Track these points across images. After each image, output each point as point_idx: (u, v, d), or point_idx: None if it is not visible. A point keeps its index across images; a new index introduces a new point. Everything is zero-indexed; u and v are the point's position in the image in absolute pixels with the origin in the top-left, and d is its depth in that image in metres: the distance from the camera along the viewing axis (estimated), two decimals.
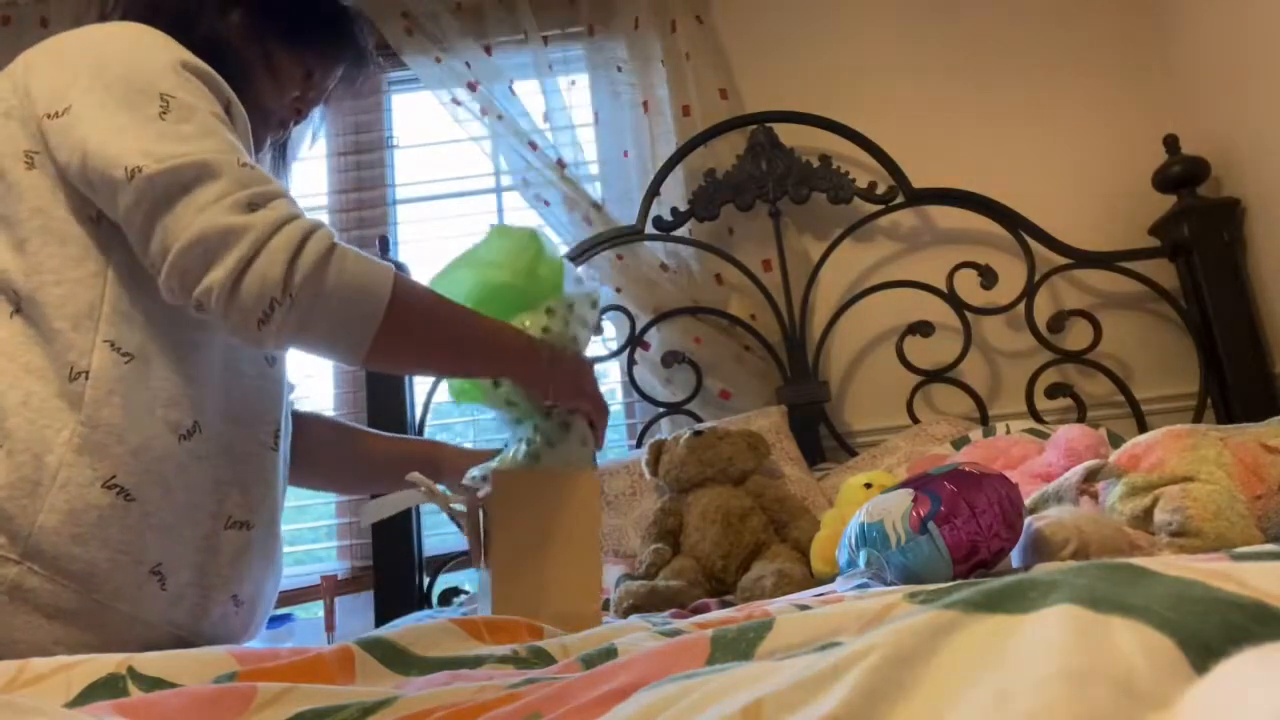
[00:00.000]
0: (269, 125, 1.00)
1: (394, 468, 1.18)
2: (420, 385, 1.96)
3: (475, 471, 0.89)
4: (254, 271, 0.70)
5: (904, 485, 0.83)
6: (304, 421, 1.11)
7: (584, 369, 0.90)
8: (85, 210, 0.78)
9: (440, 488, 0.88)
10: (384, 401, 1.90)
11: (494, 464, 0.89)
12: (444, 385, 1.94)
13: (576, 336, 0.90)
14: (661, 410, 1.90)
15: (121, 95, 0.75)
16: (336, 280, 0.72)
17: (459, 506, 0.86)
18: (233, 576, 0.83)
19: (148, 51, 0.79)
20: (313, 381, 2.08)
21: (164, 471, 0.77)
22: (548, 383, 0.85)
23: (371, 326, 0.74)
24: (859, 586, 0.81)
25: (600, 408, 0.91)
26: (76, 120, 0.75)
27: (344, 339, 0.75)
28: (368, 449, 1.17)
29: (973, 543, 0.74)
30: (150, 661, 0.51)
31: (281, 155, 1.13)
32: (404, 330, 0.77)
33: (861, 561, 0.84)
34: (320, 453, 1.12)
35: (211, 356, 0.82)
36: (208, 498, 0.81)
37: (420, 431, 1.92)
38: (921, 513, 0.77)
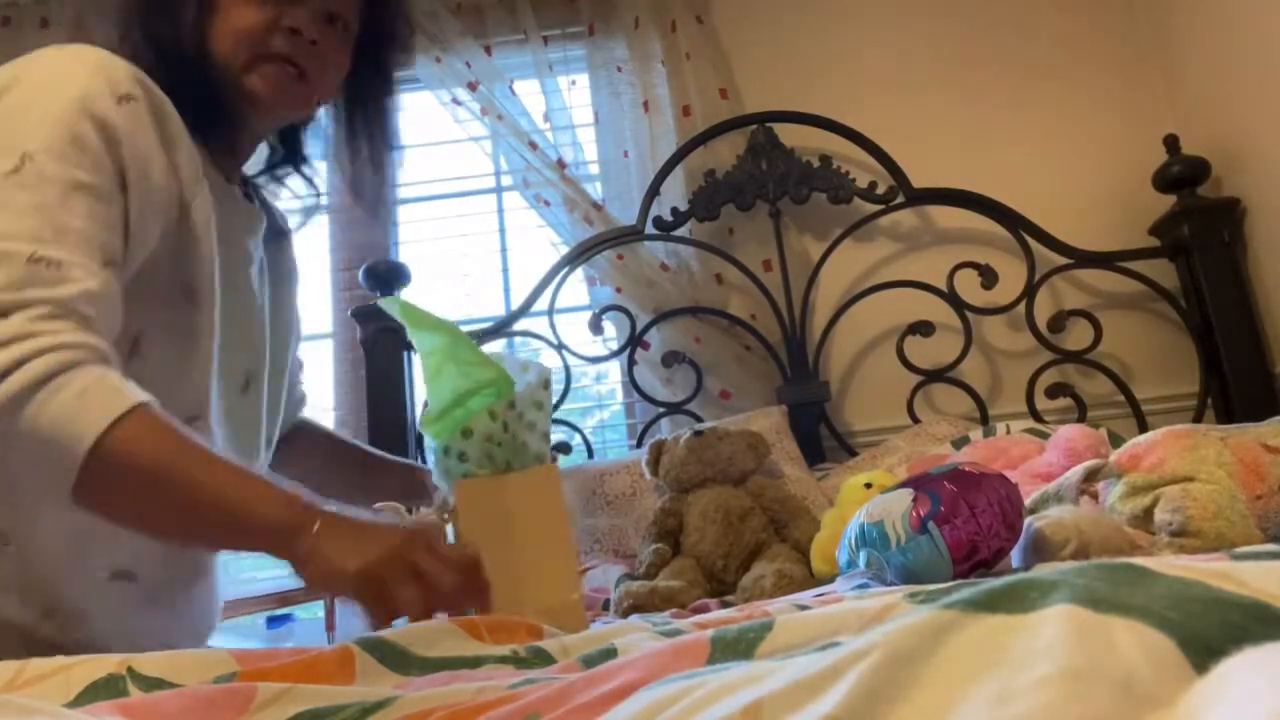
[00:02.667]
0: (260, 72, 0.85)
1: (373, 491, 1.18)
2: (420, 386, 1.96)
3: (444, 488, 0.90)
4: None
5: (903, 485, 0.83)
6: (302, 431, 1.11)
7: (367, 545, 0.69)
8: None
9: (419, 509, 0.88)
10: (384, 402, 1.90)
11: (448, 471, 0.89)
12: None
13: (526, 441, 0.86)
14: (662, 410, 1.90)
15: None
16: (31, 421, 0.64)
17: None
18: (123, 630, 0.79)
19: (55, 87, 0.73)
20: (313, 382, 2.08)
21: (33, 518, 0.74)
22: (306, 568, 0.70)
23: (65, 477, 0.65)
24: (859, 586, 0.81)
25: (379, 595, 0.68)
26: None
27: (40, 481, 0.68)
28: (350, 467, 1.17)
29: (973, 542, 0.74)
30: (150, 661, 0.51)
31: (285, 144, 1.02)
32: (111, 487, 0.67)
33: (862, 562, 0.84)
34: (307, 462, 1.11)
35: None
36: (96, 546, 0.77)
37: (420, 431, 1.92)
38: (921, 513, 0.77)
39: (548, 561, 0.83)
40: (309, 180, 1.06)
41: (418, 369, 1.98)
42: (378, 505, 0.87)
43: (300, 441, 1.13)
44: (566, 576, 0.84)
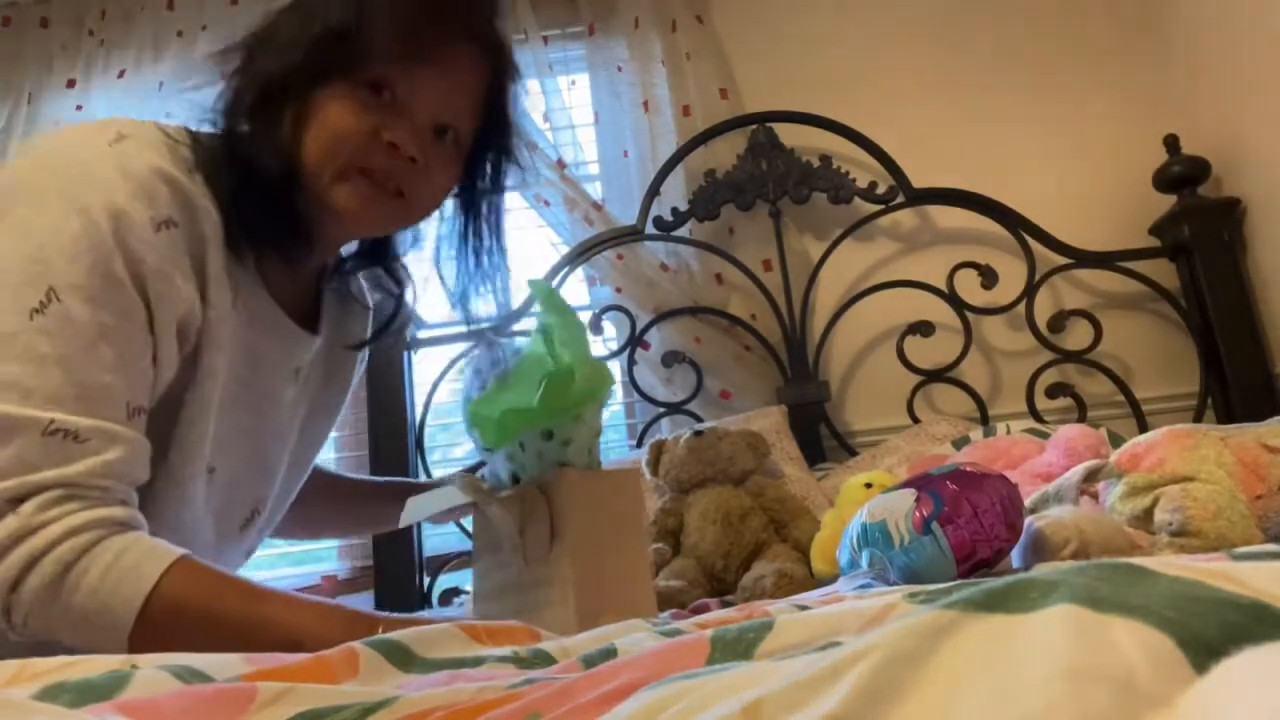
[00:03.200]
0: (352, 186, 0.77)
1: (376, 512, 1.15)
2: (420, 386, 1.96)
3: (492, 477, 0.88)
4: None
5: (905, 485, 0.83)
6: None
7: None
8: None
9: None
10: (384, 401, 1.90)
11: (491, 471, 0.88)
12: (443, 386, 1.94)
13: (590, 447, 0.85)
14: (662, 410, 1.90)
15: (18, 264, 0.66)
16: (64, 615, 0.64)
17: (500, 512, 0.84)
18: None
19: (88, 209, 0.68)
20: None
21: None
22: None
23: (116, 648, 0.64)
24: (862, 586, 0.81)
25: None
26: None
27: (93, 650, 0.66)
28: (348, 494, 1.15)
29: (974, 542, 0.74)
30: (153, 660, 0.51)
31: (379, 260, 0.93)
32: (164, 646, 0.65)
33: (864, 562, 0.84)
34: (306, 508, 1.08)
35: None
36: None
37: (420, 430, 1.92)
38: (925, 513, 0.77)
39: (630, 562, 0.83)
40: (396, 277, 0.99)
41: (418, 369, 1.98)
42: (449, 476, 0.83)
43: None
44: (645, 577, 0.85)
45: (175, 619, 0.65)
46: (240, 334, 0.80)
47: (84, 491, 0.65)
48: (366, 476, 1.22)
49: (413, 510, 0.89)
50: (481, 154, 0.87)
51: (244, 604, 0.68)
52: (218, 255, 0.74)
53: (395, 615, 0.72)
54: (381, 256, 0.97)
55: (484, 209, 0.92)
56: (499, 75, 0.83)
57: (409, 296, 1.00)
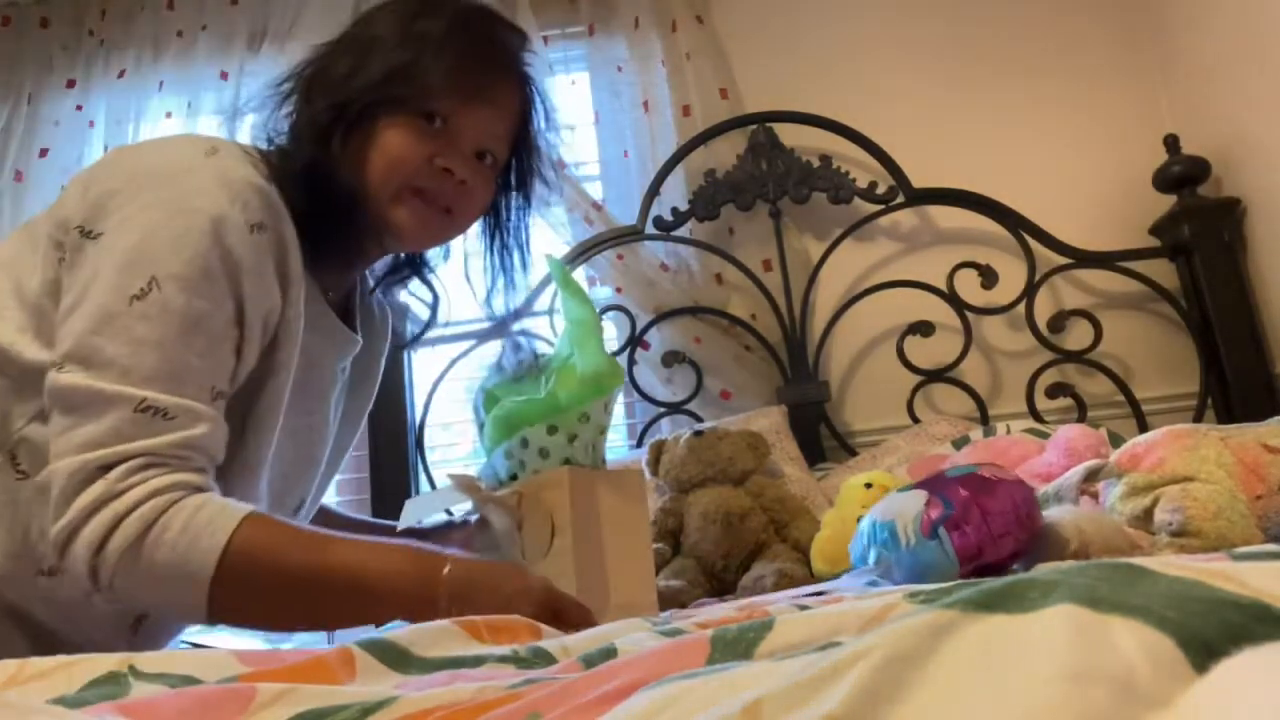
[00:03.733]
0: (408, 207, 0.85)
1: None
2: (420, 386, 1.96)
3: (489, 474, 0.88)
4: (68, 556, 0.69)
5: (920, 485, 0.83)
6: None
7: (503, 592, 0.71)
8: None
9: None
10: (384, 401, 1.90)
11: (490, 467, 0.88)
12: (443, 386, 1.94)
13: (595, 444, 0.86)
14: (662, 410, 1.90)
15: (127, 254, 0.73)
16: (147, 571, 0.69)
17: (497, 511, 0.85)
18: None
19: (194, 210, 0.75)
20: None
21: (11, 597, 0.75)
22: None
23: (199, 606, 0.69)
24: (869, 584, 0.81)
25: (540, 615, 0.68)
26: (93, 257, 0.74)
27: (173, 614, 0.73)
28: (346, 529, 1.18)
29: (980, 546, 0.74)
30: (152, 660, 0.51)
31: (420, 270, 1.03)
32: (243, 601, 0.71)
33: (872, 559, 0.84)
34: None
35: None
36: (42, 629, 0.78)
37: (420, 430, 1.92)
38: (933, 516, 0.77)
39: (633, 559, 0.84)
40: (430, 286, 1.08)
41: (418, 370, 1.98)
42: (448, 474, 0.85)
43: None
44: (647, 575, 0.85)
45: (249, 570, 0.70)
46: (303, 334, 0.86)
47: (166, 460, 0.71)
48: (366, 517, 1.24)
49: (410, 511, 0.89)
50: (511, 173, 0.98)
51: (312, 551, 0.73)
52: (297, 260, 0.81)
53: (460, 554, 0.76)
54: (418, 267, 1.06)
55: (512, 220, 1.01)
56: (528, 103, 0.94)
57: (443, 305, 1.09)
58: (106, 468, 0.69)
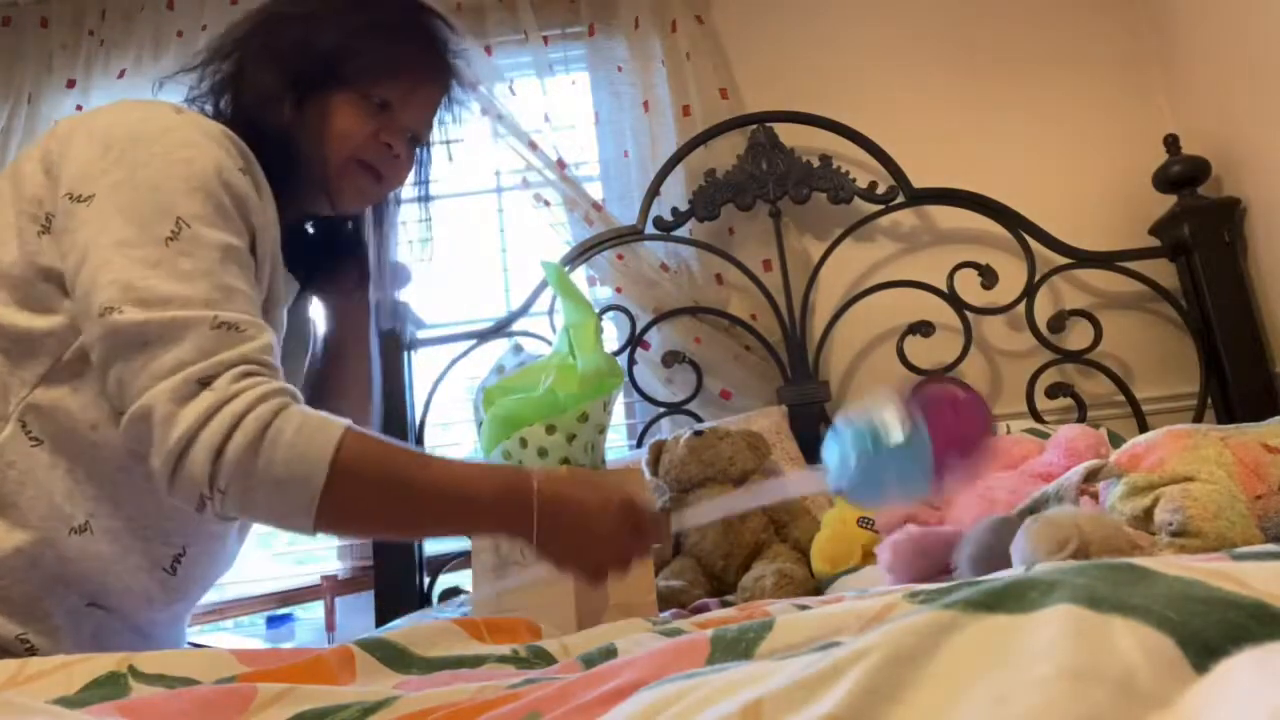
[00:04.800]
0: (352, 178, 0.94)
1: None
2: (420, 386, 1.96)
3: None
4: (184, 467, 0.70)
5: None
6: None
7: (584, 539, 0.76)
8: (55, 299, 0.78)
9: None
10: (384, 402, 1.90)
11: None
12: (443, 386, 1.94)
13: (594, 444, 0.87)
14: (662, 410, 1.90)
15: (141, 206, 0.75)
16: (265, 471, 0.71)
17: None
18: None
19: (191, 159, 0.78)
20: None
21: (43, 555, 0.76)
22: (540, 545, 0.76)
23: (308, 510, 0.72)
24: (837, 490, 0.81)
25: (611, 560, 0.77)
26: (92, 217, 0.75)
27: (283, 522, 0.74)
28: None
29: (958, 430, 0.74)
30: (152, 660, 0.51)
31: (378, 222, 1.10)
32: (351, 504, 0.74)
33: (854, 463, 0.81)
34: None
35: (131, 468, 0.79)
36: (88, 583, 0.80)
37: (421, 430, 1.92)
38: (910, 408, 0.76)
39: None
40: (360, 238, 1.13)
41: (418, 370, 1.98)
42: None
43: None
44: (646, 575, 0.85)
45: (358, 477, 0.73)
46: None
47: (261, 369, 0.74)
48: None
49: None
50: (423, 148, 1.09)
51: (415, 461, 0.77)
52: (270, 204, 0.86)
53: (542, 470, 0.79)
54: (345, 220, 1.13)
55: (424, 178, 1.12)
56: (449, 91, 1.04)
57: (371, 257, 1.15)
58: (207, 381, 0.71)
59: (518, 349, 0.95)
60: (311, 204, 0.98)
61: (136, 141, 0.78)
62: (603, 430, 0.86)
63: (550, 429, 0.82)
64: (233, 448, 0.70)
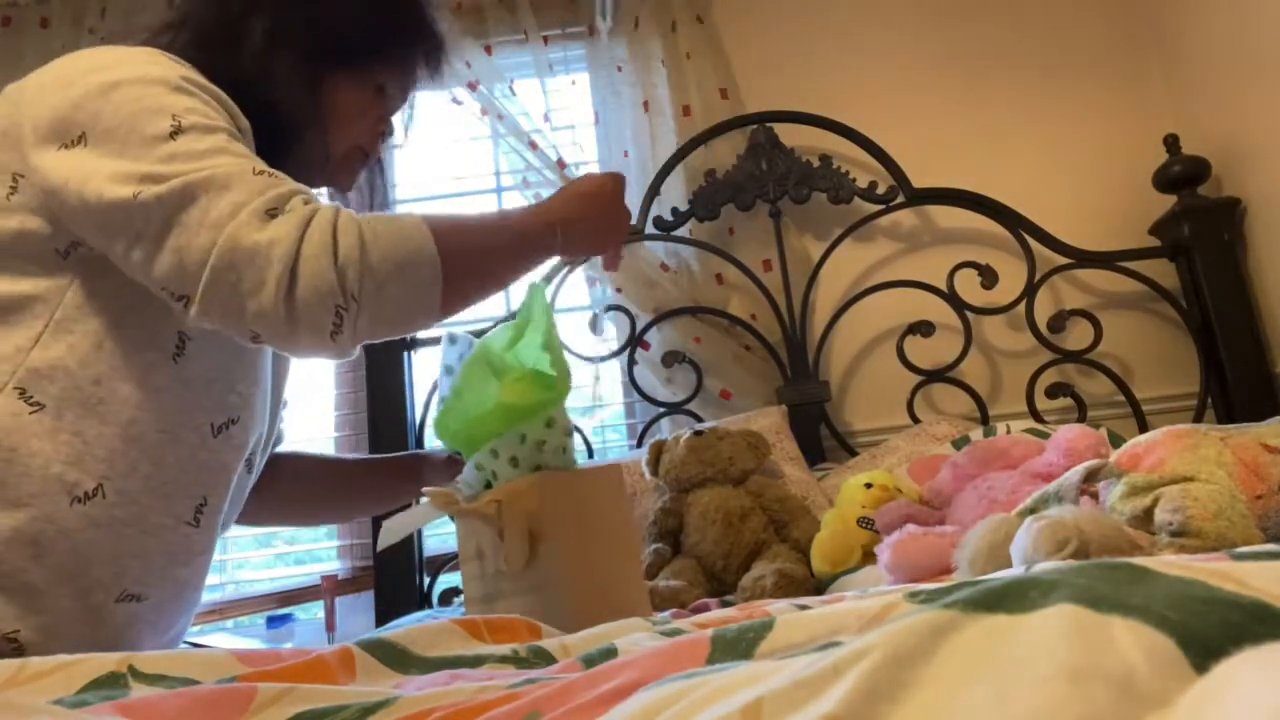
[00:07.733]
0: (351, 162, 0.98)
1: (377, 484, 1.18)
2: (420, 386, 1.96)
3: (464, 483, 0.87)
4: (303, 287, 0.67)
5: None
6: (281, 461, 1.10)
7: (591, 212, 0.90)
8: (46, 256, 0.75)
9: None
10: (384, 402, 1.90)
11: (464, 479, 0.87)
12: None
13: (564, 447, 0.86)
14: (662, 410, 1.90)
15: (133, 120, 0.73)
16: (386, 260, 0.71)
17: (477, 522, 0.83)
18: (120, 648, 0.79)
19: (156, 74, 0.77)
20: (312, 382, 2.08)
21: (43, 532, 0.72)
22: (573, 250, 0.89)
23: (435, 283, 0.74)
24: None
25: (615, 239, 0.94)
26: (92, 151, 0.72)
27: (413, 310, 0.75)
28: (348, 472, 1.18)
29: None
30: (152, 660, 0.51)
31: (369, 181, 1.11)
32: (461, 273, 0.77)
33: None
34: (298, 489, 1.12)
35: (143, 419, 0.77)
36: (102, 569, 0.75)
37: (420, 432, 1.92)
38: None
39: (620, 560, 0.82)
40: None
41: (418, 370, 1.98)
42: (425, 490, 0.84)
43: (286, 467, 1.12)
44: (636, 575, 0.84)
45: (447, 235, 0.77)
46: None
47: (311, 197, 0.74)
48: (335, 455, 1.25)
49: (390, 532, 0.87)
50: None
51: (468, 219, 0.83)
52: (236, 113, 0.84)
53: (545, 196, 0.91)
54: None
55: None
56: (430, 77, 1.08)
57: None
58: (273, 211, 0.70)
59: (453, 339, 0.96)
60: (302, 180, 0.98)
61: (97, 71, 0.76)
62: (569, 432, 0.85)
63: (520, 438, 0.82)
64: (345, 246, 0.70)
